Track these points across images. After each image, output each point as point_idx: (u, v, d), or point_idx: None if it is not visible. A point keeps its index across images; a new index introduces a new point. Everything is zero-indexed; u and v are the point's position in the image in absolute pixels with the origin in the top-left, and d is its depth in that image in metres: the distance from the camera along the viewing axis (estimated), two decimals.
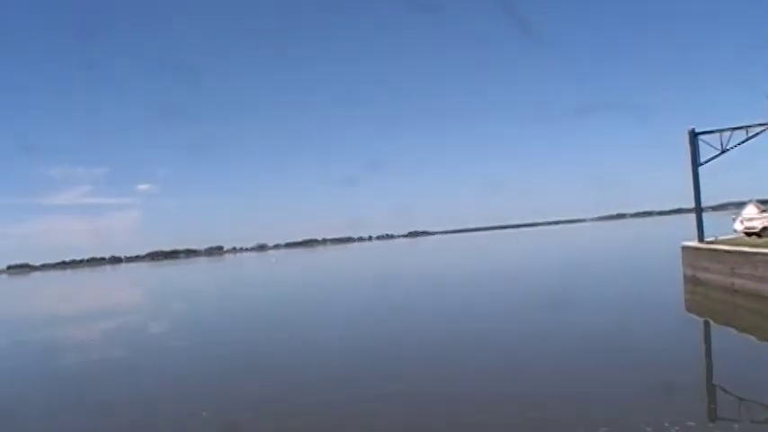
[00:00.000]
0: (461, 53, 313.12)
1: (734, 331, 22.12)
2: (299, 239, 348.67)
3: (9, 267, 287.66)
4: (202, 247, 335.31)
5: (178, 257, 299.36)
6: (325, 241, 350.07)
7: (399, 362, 21.29)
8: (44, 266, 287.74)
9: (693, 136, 34.24)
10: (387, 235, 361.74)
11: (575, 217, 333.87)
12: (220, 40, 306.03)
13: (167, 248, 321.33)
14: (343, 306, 40.49)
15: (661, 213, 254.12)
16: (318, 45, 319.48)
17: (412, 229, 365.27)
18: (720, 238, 34.40)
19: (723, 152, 33.39)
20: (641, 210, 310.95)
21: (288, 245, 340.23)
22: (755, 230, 33.80)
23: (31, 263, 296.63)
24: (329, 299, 46.79)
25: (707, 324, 24.59)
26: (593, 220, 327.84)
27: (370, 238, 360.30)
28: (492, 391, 16.10)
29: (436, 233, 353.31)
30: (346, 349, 24.18)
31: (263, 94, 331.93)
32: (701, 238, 34.28)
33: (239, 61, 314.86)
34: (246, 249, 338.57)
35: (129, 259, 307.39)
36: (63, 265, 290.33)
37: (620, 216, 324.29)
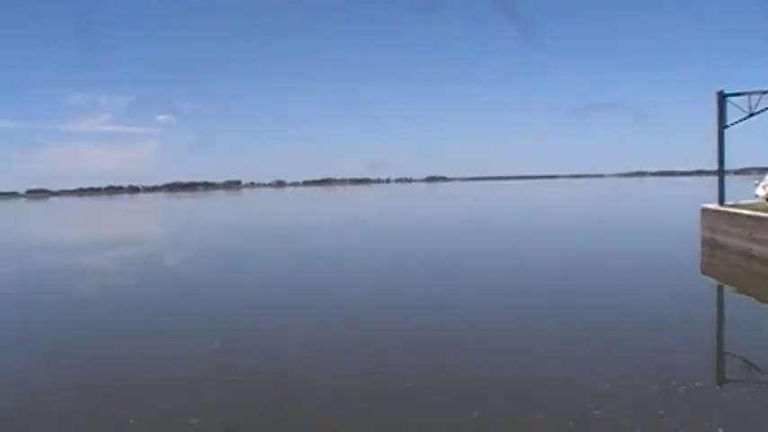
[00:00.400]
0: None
1: (747, 297, 22.09)
2: (318, 178, 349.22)
3: (28, 192, 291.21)
4: (220, 180, 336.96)
5: (196, 190, 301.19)
6: (343, 181, 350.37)
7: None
8: (62, 192, 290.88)
9: (722, 97, 33.52)
10: (405, 178, 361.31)
11: (595, 172, 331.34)
12: None
13: (185, 180, 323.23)
14: (349, 243, 41.02)
15: (683, 174, 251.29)
16: None
17: (431, 174, 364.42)
18: (741, 202, 34.06)
19: (751, 115, 32.69)
20: (662, 169, 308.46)
21: (306, 183, 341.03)
22: None
23: (49, 188, 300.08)
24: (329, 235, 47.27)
25: (720, 288, 24.55)
26: (612, 176, 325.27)
27: (388, 181, 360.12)
28: (531, 329, 17.10)
29: (455, 179, 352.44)
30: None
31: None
32: (721, 201, 33.93)
33: None
34: (264, 185, 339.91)
35: (147, 189, 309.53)
36: (81, 191, 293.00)
37: (640, 174, 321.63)
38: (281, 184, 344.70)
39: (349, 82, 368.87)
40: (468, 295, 22.68)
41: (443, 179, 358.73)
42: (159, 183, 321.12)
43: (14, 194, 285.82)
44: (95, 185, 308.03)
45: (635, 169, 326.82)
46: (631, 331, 16.77)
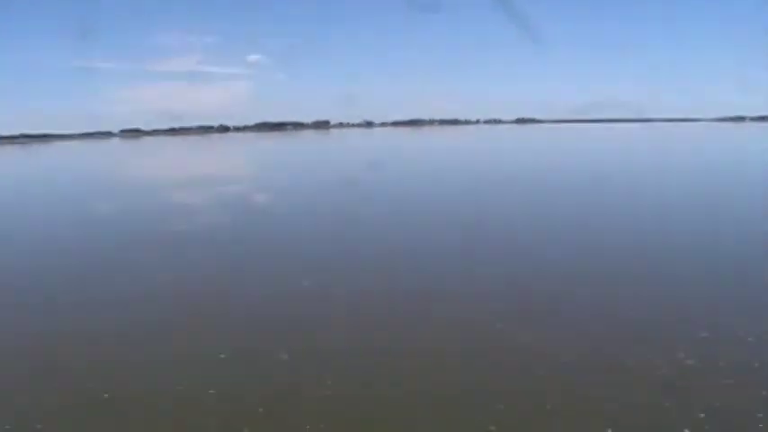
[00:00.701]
0: None
1: None
2: (406, 119, 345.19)
3: (122, 131, 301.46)
4: (309, 120, 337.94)
5: (285, 130, 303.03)
6: (432, 122, 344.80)
7: None
8: (155, 132, 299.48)
9: None
10: (494, 120, 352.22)
11: (691, 116, 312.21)
12: None
13: (275, 120, 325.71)
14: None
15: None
16: None
17: (521, 116, 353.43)
18: None
19: None
20: (764, 114, 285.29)
21: (394, 123, 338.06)
22: None
23: (142, 128, 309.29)
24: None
25: None
26: (710, 120, 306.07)
27: (477, 122, 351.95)
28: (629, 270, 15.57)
29: (545, 121, 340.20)
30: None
31: None
32: None
33: None
34: (353, 125, 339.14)
35: (237, 129, 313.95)
36: (173, 131, 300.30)
37: (740, 119, 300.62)
38: (369, 124, 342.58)
39: None
40: None
41: (533, 121, 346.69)
42: (249, 122, 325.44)
43: (109, 134, 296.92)
44: (186, 125, 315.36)
45: (733, 114, 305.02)
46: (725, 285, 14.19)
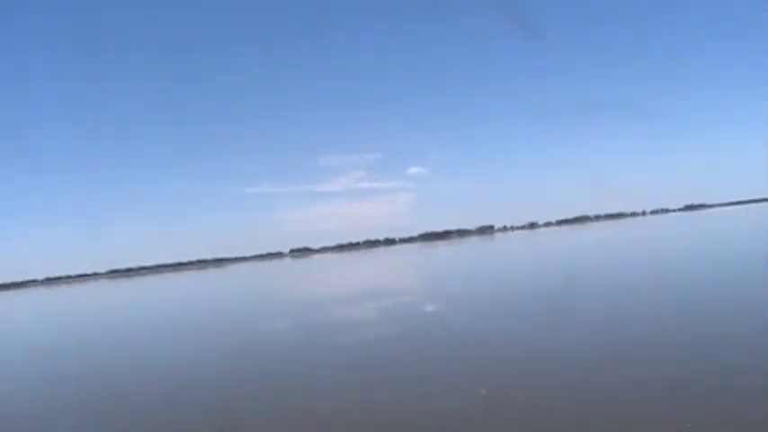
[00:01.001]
0: None
1: None
2: (571, 216, 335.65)
3: (291, 251, 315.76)
4: (473, 226, 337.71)
5: (450, 237, 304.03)
6: (597, 218, 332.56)
7: None
8: (323, 249, 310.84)
9: None
10: (661, 209, 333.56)
11: None
12: None
13: (439, 229, 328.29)
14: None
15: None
16: None
17: (689, 203, 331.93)
18: None
19: None
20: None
21: (559, 222, 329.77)
22: None
23: (310, 246, 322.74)
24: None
25: None
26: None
27: (643, 213, 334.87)
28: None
29: (716, 205, 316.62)
30: None
31: None
32: None
33: None
34: (517, 228, 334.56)
35: (403, 240, 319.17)
36: (340, 247, 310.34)
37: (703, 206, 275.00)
38: (533, 225, 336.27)
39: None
40: None
41: (703, 206, 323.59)
42: (414, 233, 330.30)
43: (280, 254, 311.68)
44: (353, 240, 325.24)
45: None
46: None
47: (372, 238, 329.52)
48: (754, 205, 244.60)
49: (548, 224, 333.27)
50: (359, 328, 29.42)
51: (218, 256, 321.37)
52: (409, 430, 12.94)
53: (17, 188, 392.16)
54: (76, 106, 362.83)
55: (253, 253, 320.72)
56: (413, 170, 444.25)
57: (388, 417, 13.88)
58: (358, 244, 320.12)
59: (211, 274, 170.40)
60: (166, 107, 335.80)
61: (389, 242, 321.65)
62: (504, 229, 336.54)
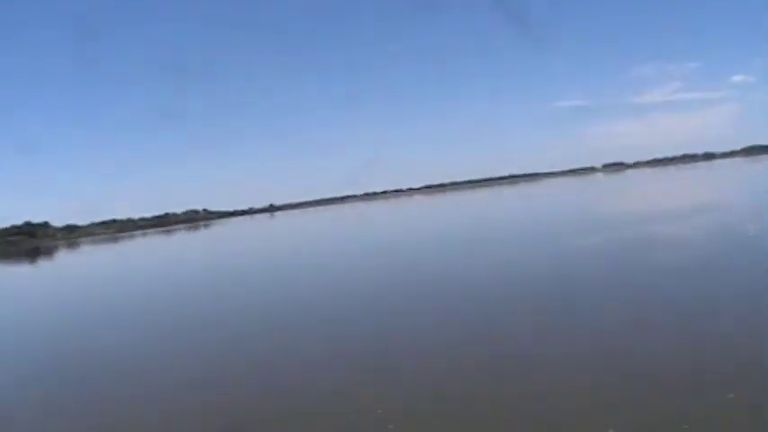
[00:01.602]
0: None
1: None
2: None
3: (604, 166, 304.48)
4: None
5: None
6: None
7: None
8: (636, 164, 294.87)
9: None
10: None
11: None
12: None
13: (764, 142, 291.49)
14: None
15: None
16: None
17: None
18: None
19: None
20: None
21: None
22: None
23: (624, 161, 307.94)
24: None
25: None
26: None
27: None
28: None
29: None
30: None
31: None
32: None
33: None
34: None
35: (724, 155, 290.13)
36: (655, 162, 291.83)
37: None
38: None
39: None
40: None
41: None
42: (737, 147, 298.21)
43: (591, 169, 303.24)
44: (669, 155, 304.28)
45: None
46: None
47: (690, 152, 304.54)
48: None
49: None
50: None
51: (530, 171, 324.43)
52: None
53: None
54: None
55: (564, 168, 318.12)
56: (737, 78, 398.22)
57: None
58: (674, 158, 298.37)
59: (524, 188, 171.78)
60: None
61: (708, 156, 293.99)
62: None
